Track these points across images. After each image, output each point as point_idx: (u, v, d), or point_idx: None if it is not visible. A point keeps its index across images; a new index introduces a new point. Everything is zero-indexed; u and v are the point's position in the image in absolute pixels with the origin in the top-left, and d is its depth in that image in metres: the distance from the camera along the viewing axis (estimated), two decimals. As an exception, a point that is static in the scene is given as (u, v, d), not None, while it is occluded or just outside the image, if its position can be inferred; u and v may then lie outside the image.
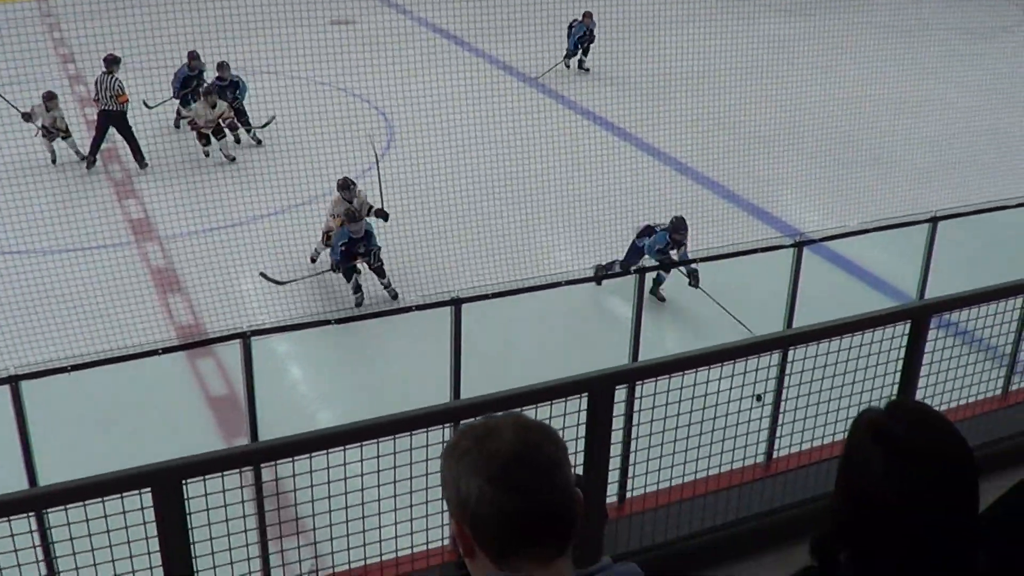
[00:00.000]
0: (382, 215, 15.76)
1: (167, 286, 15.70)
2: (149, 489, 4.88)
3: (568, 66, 26.77)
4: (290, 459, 5.49)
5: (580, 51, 26.87)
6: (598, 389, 5.71)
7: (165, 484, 4.87)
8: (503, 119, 18.25)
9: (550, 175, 18.32)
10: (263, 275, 14.90)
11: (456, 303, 8.56)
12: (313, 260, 16.29)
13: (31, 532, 5.55)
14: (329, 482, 5.73)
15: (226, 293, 14.99)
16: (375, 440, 5.53)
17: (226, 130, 20.91)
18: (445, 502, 2.47)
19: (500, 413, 2.52)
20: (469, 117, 17.98)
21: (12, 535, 5.11)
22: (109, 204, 18.43)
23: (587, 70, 26.85)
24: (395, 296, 15.17)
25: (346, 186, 16.03)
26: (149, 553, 5.12)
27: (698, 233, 15.49)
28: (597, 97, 23.51)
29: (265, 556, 6.49)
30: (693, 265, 14.11)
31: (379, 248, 15.28)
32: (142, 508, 5.01)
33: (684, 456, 6.73)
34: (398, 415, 5.58)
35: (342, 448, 5.53)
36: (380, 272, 15.26)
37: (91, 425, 11.89)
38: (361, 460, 5.63)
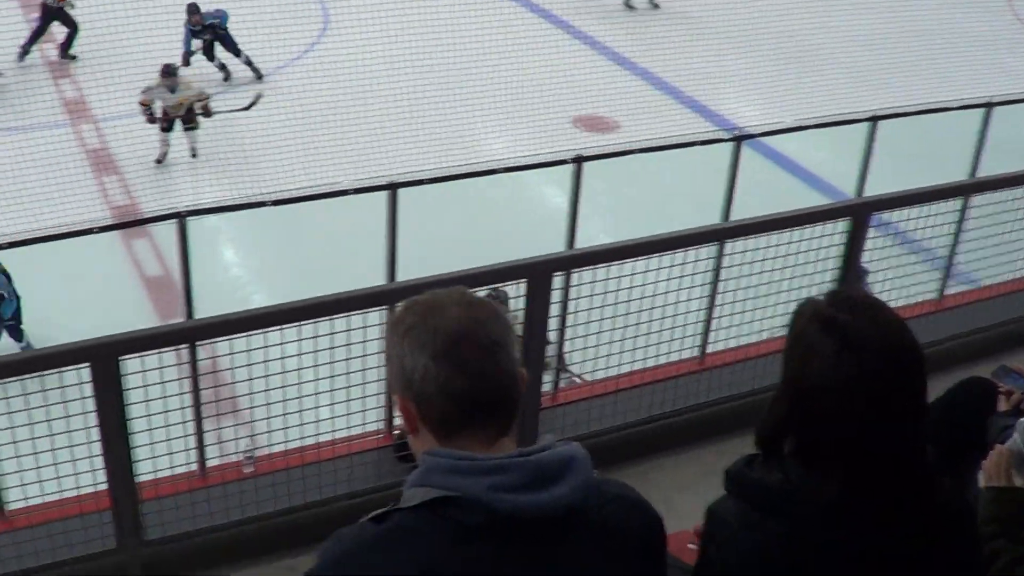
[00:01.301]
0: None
1: (102, 167, 15.51)
2: (87, 364, 4.86)
3: (631, 5, 22.95)
4: (226, 338, 5.49)
5: None
6: (537, 275, 5.71)
7: (103, 359, 4.86)
8: (441, 7, 18.07)
9: (485, 64, 18.16)
10: None
11: (393, 187, 8.50)
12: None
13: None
14: (266, 361, 5.74)
15: (161, 174, 14.86)
16: (312, 320, 5.54)
17: (198, 118, 16.75)
18: (389, 377, 2.44)
19: (444, 289, 2.48)
20: (407, 4, 17.78)
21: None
22: (44, 85, 18.13)
23: (657, 6, 23.10)
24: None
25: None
26: (88, 428, 5.12)
27: (635, 126, 15.48)
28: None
29: (200, 434, 6.49)
30: None
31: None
32: (80, 383, 5.00)
33: (619, 347, 6.75)
34: (334, 296, 5.58)
35: (279, 328, 5.52)
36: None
37: (27, 303, 11.81)
38: (300, 339, 5.63)
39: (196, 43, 19.03)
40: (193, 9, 18.65)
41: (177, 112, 16.45)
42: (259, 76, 19.04)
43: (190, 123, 16.45)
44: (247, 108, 16.37)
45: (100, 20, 17.35)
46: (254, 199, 11.15)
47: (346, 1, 19.48)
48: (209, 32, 18.96)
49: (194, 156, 16.32)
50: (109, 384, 4.89)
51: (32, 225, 11.84)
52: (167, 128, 16.39)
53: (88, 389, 4.97)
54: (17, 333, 11.87)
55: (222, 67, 19.27)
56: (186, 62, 18.55)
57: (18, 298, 11.53)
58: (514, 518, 2.28)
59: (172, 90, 16.37)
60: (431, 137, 15.75)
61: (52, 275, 12.04)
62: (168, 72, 16.45)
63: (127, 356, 4.95)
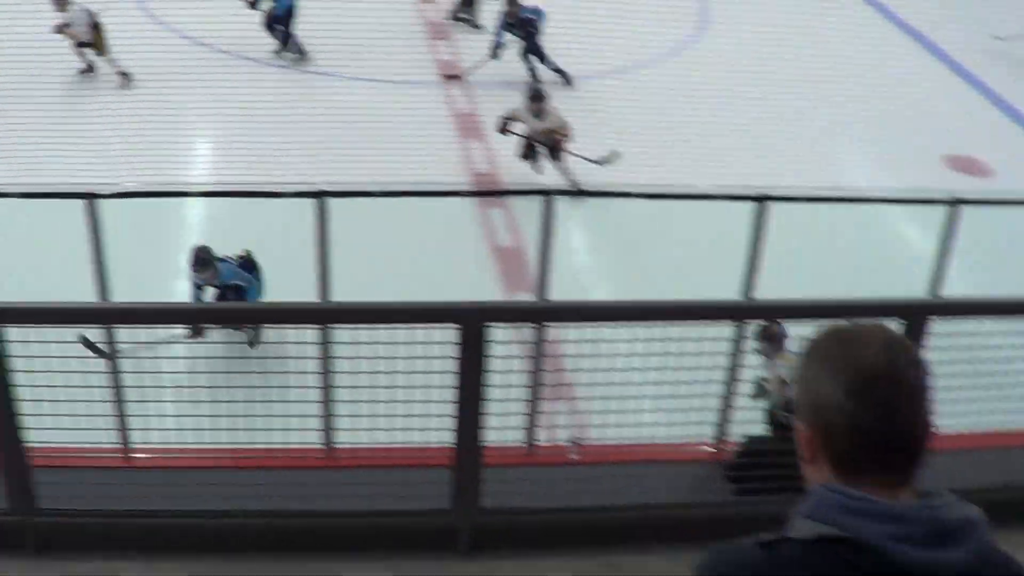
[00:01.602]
0: None
1: (467, 132, 15.90)
2: (457, 326, 4.95)
3: None
4: (579, 324, 5.51)
5: None
6: (913, 317, 5.47)
7: (472, 324, 4.94)
8: (824, 26, 17.79)
9: (857, 88, 17.72)
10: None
11: (762, 199, 8.31)
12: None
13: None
14: (606, 355, 5.74)
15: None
16: (660, 323, 5.50)
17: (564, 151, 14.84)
18: (796, 402, 2.39)
19: (865, 321, 2.43)
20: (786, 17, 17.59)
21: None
22: (420, 42, 18.70)
23: None
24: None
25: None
26: (441, 387, 5.21)
27: (1010, 175, 14.94)
28: (926, 16, 22.24)
29: (533, 413, 6.56)
30: None
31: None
32: (438, 343, 5.10)
33: (966, 406, 6.39)
34: (684, 303, 5.54)
35: (626, 324, 5.53)
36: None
37: (377, 252, 12.21)
38: (641, 340, 5.61)
39: (508, 37, 17.66)
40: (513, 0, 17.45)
41: (541, 140, 14.87)
42: (568, 82, 17.60)
43: (556, 155, 14.78)
44: (599, 163, 14.50)
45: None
46: (613, 188, 11.24)
47: (725, 5, 19.42)
48: (522, 29, 17.49)
49: (579, 193, 13.69)
50: (474, 348, 4.97)
51: (395, 178, 12.29)
52: (528, 155, 14.95)
53: (450, 350, 5.06)
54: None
55: (532, 73, 17.66)
56: (493, 55, 17.53)
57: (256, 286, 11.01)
58: (907, 571, 2.21)
59: (538, 116, 14.82)
60: (790, 153, 15.52)
61: (408, 229, 12.39)
62: (536, 97, 15.00)
63: (493, 324, 5.00)
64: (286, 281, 7.81)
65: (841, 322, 2.43)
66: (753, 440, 6.68)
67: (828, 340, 2.38)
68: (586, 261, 13.31)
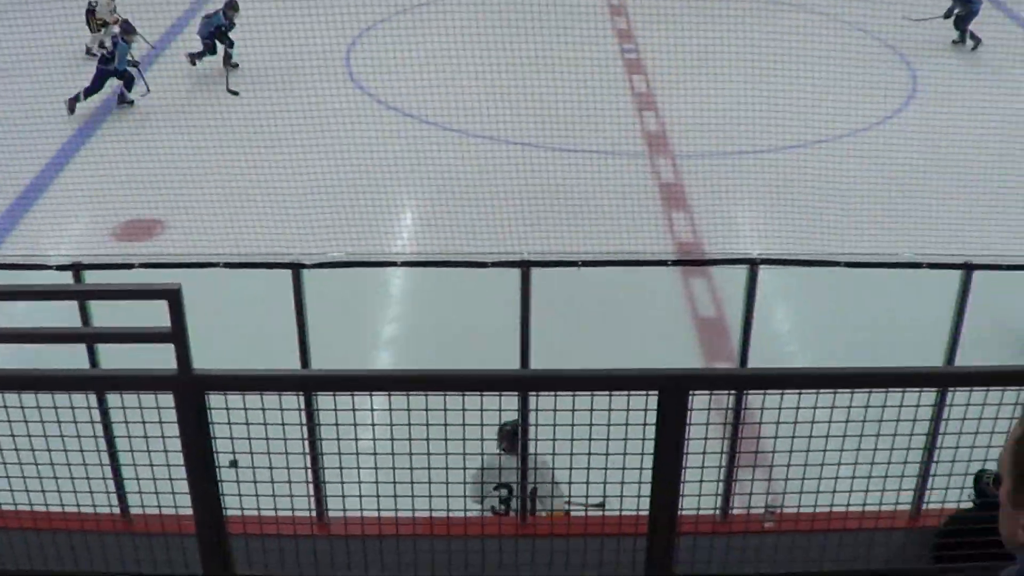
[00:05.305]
0: None
1: (673, 202, 16.01)
2: (656, 392, 5.01)
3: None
4: (775, 392, 5.46)
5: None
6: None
7: (674, 391, 5.01)
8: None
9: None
10: None
11: (968, 268, 7.98)
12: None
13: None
14: (810, 422, 5.69)
15: (728, 219, 15.17)
16: (855, 390, 5.41)
17: None
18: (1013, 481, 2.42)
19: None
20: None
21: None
22: (628, 114, 18.92)
23: None
24: None
25: None
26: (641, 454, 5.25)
27: None
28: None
29: (730, 481, 6.60)
30: None
31: None
32: (638, 410, 5.13)
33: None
34: (887, 369, 5.43)
35: (827, 392, 5.45)
36: None
37: (580, 321, 12.39)
38: (847, 407, 5.53)
39: None
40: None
41: None
42: None
43: None
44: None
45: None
46: (824, 257, 11.13)
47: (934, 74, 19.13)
48: None
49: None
50: (675, 415, 5.05)
51: (599, 247, 12.46)
52: None
53: (649, 418, 5.11)
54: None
55: None
56: None
57: None
58: None
59: None
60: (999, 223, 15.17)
61: (610, 299, 12.52)
62: None
63: (695, 391, 5.10)
64: (488, 350, 7.85)
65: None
66: (959, 516, 6.56)
67: None
68: (786, 329, 13.28)
